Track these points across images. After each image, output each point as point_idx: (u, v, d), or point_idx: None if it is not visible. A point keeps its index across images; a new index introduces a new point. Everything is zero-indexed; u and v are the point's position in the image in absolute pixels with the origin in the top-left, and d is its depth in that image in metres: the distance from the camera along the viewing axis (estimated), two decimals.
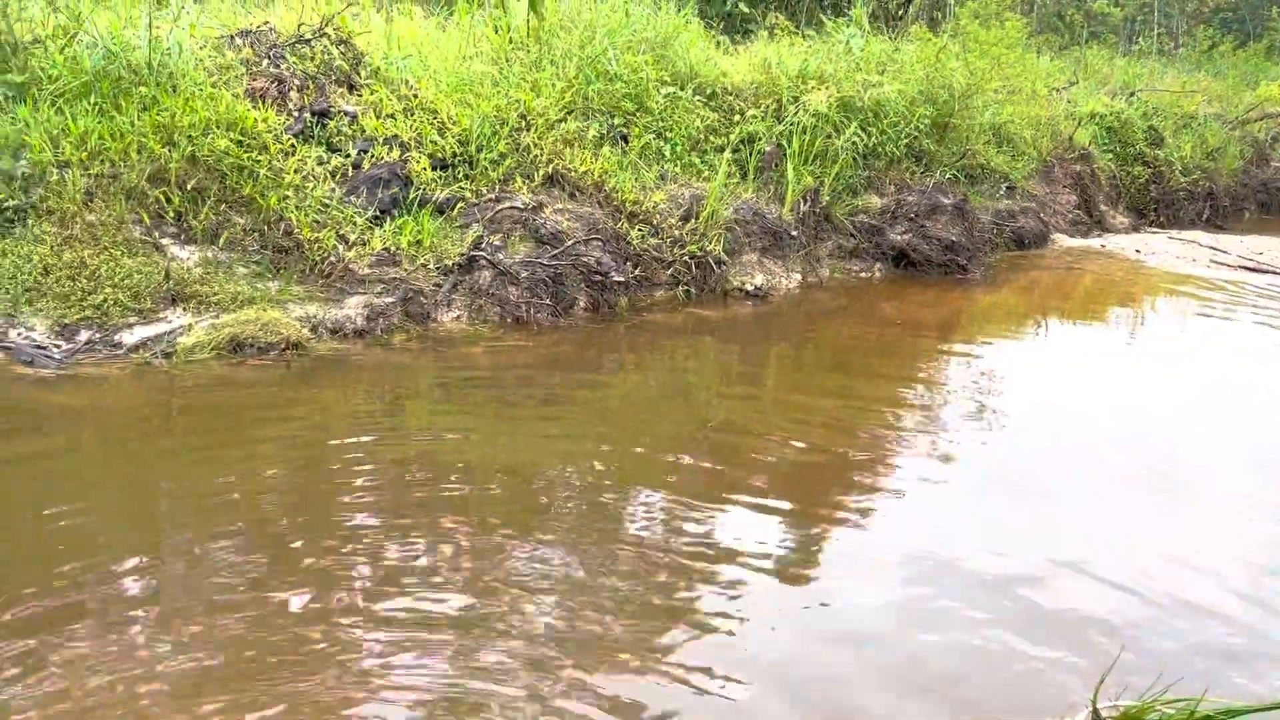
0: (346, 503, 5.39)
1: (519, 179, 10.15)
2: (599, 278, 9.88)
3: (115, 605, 4.27)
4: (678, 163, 11.53)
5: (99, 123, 8.45)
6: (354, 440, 6.33)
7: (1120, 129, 17.96)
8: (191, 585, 4.44)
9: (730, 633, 4.29)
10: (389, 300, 8.77)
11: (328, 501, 5.41)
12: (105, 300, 7.76)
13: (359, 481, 5.68)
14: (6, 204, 8.14)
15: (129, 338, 7.68)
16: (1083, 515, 5.75)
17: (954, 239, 12.57)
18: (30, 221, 8.09)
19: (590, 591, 4.48)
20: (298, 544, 4.84)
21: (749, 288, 10.99)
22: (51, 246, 7.92)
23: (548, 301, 9.43)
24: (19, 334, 7.66)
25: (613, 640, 4.15)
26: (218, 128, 8.71)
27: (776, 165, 11.96)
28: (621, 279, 10.03)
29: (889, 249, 12.47)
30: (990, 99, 14.56)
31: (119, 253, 8.03)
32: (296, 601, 4.29)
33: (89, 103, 8.62)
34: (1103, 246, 15.09)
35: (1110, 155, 17.59)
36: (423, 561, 4.66)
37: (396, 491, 5.53)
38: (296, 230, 8.63)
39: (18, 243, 7.96)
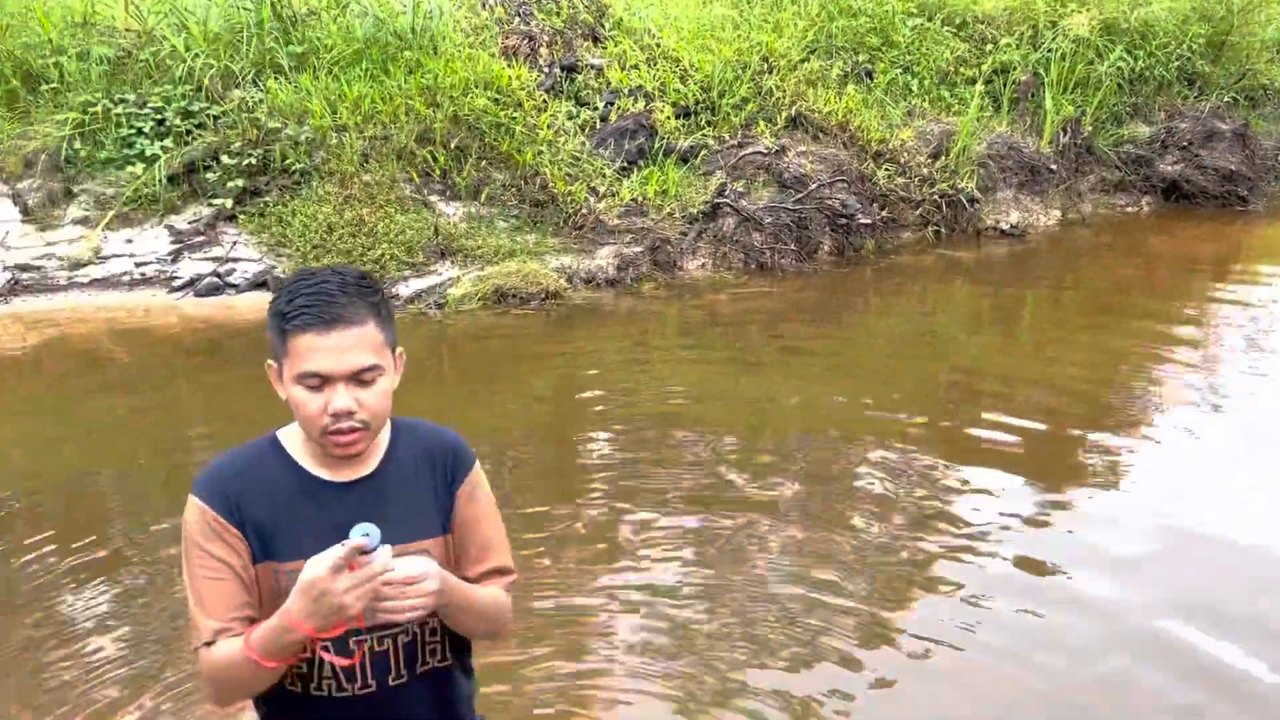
0: (592, 445, 5.62)
1: (761, 123, 10.13)
2: (844, 220, 9.77)
3: None
4: (926, 98, 11.16)
5: (371, 87, 9.07)
6: (604, 385, 6.61)
7: None
8: None
9: (963, 599, 4.05)
10: (637, 250, 9.01)
11: (576, 442, 5.66)
12: (383, 255, 8.38)
13: (605, 424, 5.91)
14: (294, 167, 8.90)
15: (405, 290, 8.28)
16: None
17: (1233, 168, 11.58)
18: (315, 183, 8.81)
19: (823, 548, 4.45)
20: (544, 484, 5.09)
21: (1004, 226, 10.57)
22: (334, 206, 8.61)
23: (791, 246, 9.42)
24: None
25: (839, 605, 4.04)
26: (476, 87, 9.15)
27: (1033, 95, 11.36)
28: (868, 221, 9.88)
29: (1158, 181, 11.64)
30: (1274, 12, 13.21)
31: (393, 210, 8.64)
32: (530, 539, 4.50)
33: (361, 69, 9.26)
34: None
35: None
36: (658, 512, 4.78)
37: (641, 436, 5.70)
38: (551, 184, 8.99)
39: (305, 203, 8.70)
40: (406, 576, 1.69)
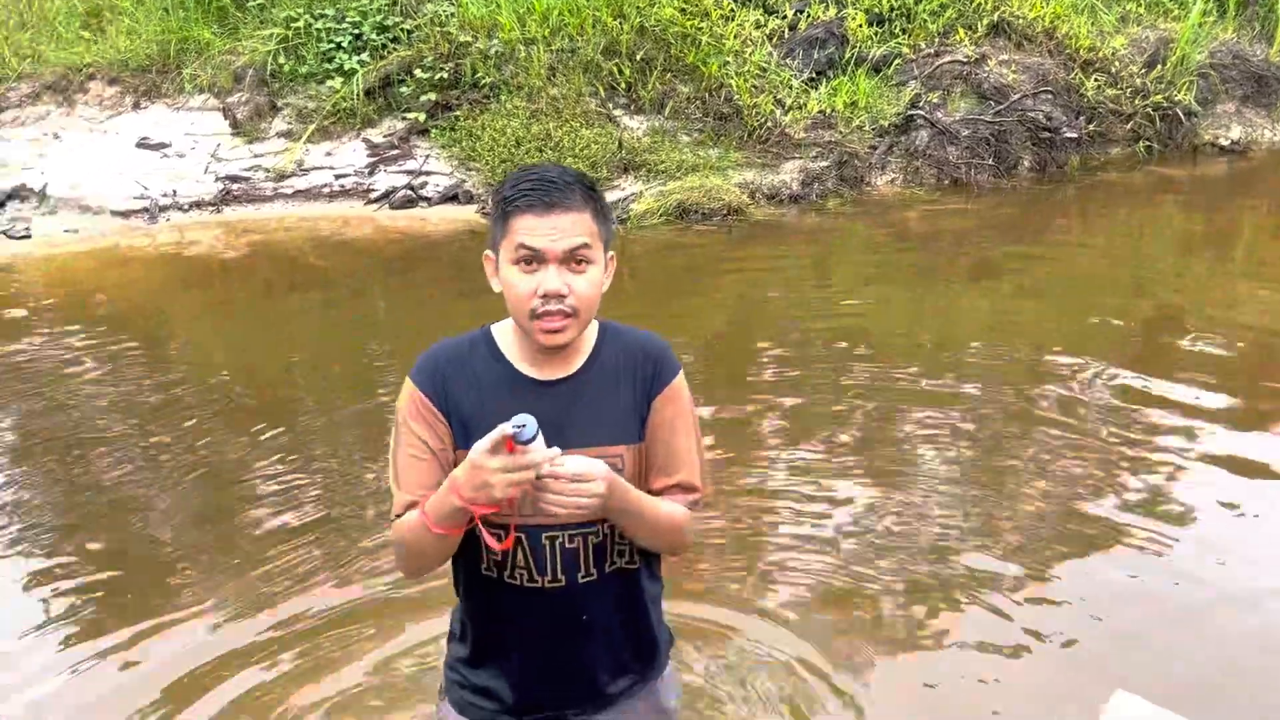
0: (768, 362, 5.52)
1: (960, 30, 9.61)
2: (1047, 134, 9.22)
3: None
4: (1142, 2, 10.33)
5: (559, 0, 9.04)
6: (784, 304, 6.50)
7: None
8: None
9: (1148, 542, 3.75)
10: (823, 164, 8.76)
11: (751, 360, 5.57)
12: None
13: (782, 342, 5.79)
14: (483, 81, 9.01)
15: None
16: None
17: None
18: (503, 97, 8.91)
19: (1000, 479, 4.23)
20: (718, 400, 5.03)
21: (1223, 142, 9.76)
22: (521, 120, 8.69)
23: (989, 162, 8.97)
24: None
25: (1008, 543, 3.85)
26: None
27: None
28: (1073, 135, 9.29)
29: None
30: None
31: (578, 124, 8.65)
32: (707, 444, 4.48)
33: None
34: None
35: None
36: (825, 430, 4.66)
37: (818, 354, 5.56)
38: (736, 96, 8.80)
39: (494, 117, 8.81)
40: (573, 474, 1.72)
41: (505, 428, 1.67)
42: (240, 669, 3.19)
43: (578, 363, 1.91)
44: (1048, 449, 4.47)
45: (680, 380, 1.96)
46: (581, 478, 1.72)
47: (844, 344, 5.69)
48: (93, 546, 4.00)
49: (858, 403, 4.95)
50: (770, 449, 4.54)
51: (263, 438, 4.77)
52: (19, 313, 6.70)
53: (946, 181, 8.83)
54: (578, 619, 1.94)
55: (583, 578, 1.91)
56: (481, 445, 1.70)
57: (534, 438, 1.68)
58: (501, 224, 1.84)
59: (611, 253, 1.92)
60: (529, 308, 1.81)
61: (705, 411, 4.87)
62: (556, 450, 1.71)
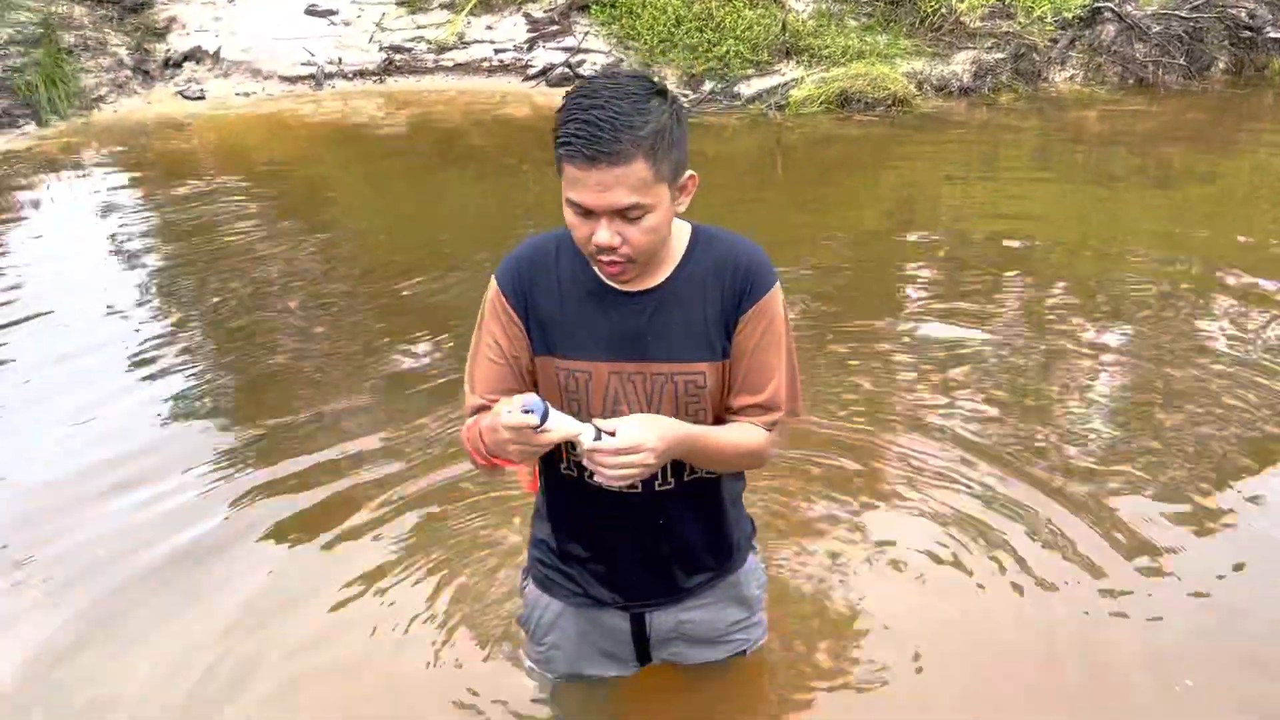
0: (918, 264, 5.31)
1: None
2: (1248, 33, 8.49)
3: None
4: None
5: None
6: (943, 202, 6.26)
7: None
8: None
9: None
10: (998, 56, 8.30)
11: (900, 260, 5.38)
12: (727, 52, 8.21)
13: (936, 241, 5.56)
14: None
15: (746, 89, 8.11)
16: None
17: None
18: None
19: (1148, 405, 3.96)
20: (859, 302, 4.87)
21: None
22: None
23: (1179, 61, 8.34)
24: None
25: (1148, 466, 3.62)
26: None
27: None
28: (1277, 35, 8.53)
29: None
30: None
31: (740, 4, 8.39)
32: (841, 353, 4.34)
33: None
34: None
35: None
36: (972, 339, 4.46)
37: (972, 257, 5.32)
38: None
39: None
40: (617, 449, 1.65)
41: (512, 418, 1.61)
42: (365, 519, 3.30)
43: (663, 274, 1.79)
44: (1203, 378, 4.16)
45: (772, 296, 1.81)
46: (628, 451, 1.64)
47: (1003, 249, 5.45)
48: (242, 382, 4.23)
49: (1009, 310, 4.75)
50: (916, 358, 4.39)
51: (405, 292, 4.93)
52: (191, 169, 7.00)
53: (1130, 81, 8.27)
54: (655, 521, 1.92)
55: (660, 486, 1.88)
56: (499, 412, 1.64)
57: (543, 421, 1.61)
58: (557, 159, 1.69)
59: (689, 173, 1.73)
60: (588, 251, 1.71)
61: (846, 314, 4.75)
62: (578, 429, 1.64)
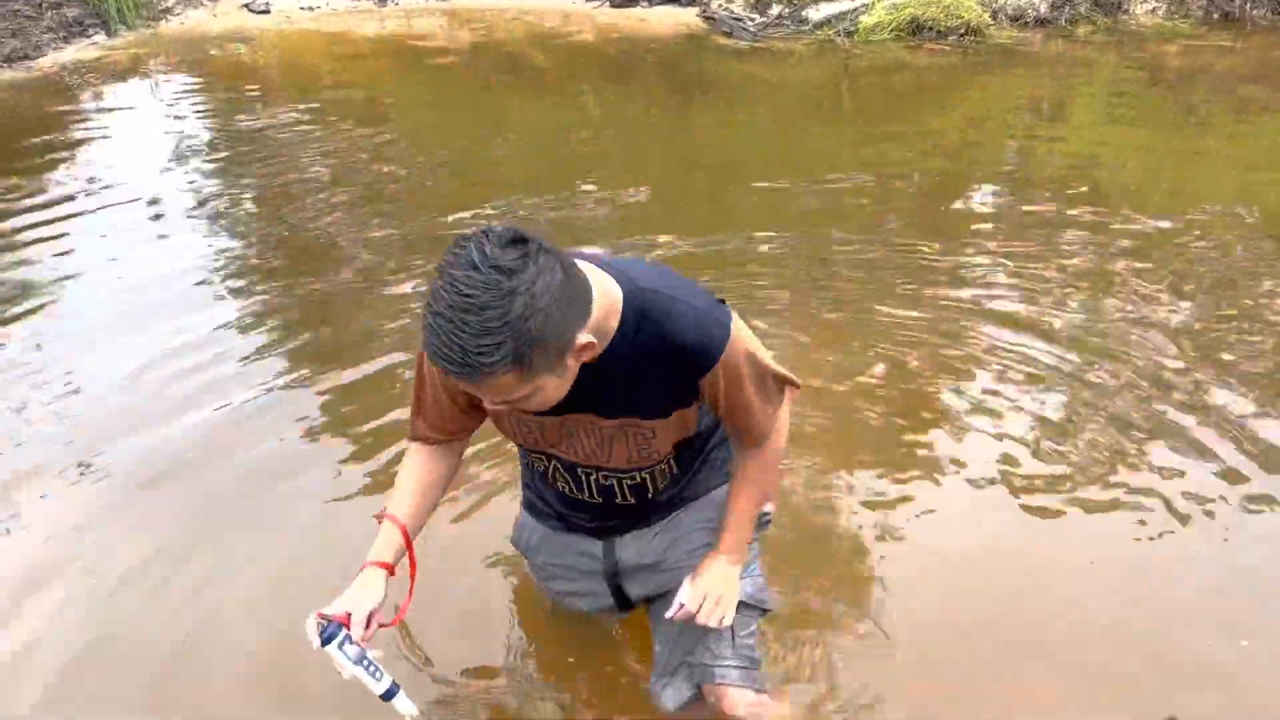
0: (982, 201, 5.20)
1: None
2: None
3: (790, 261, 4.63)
4: None
5: None
6: (1012, 138, 6.11)
7: None
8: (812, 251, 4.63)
9: None
10: None
11: (964, 195, 5.27)
12: None
13: (1001, 181, 5.45)
14: None
15: (815, 14, 7.93)
16: None
17: None
18: None
19: (1215, 363, 3.86)
20: (920, 234, 4.79)
21: None
22: None
23: None
24: (720, 5, 8.27)
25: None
26: None
27: None
28: None
29: None
30: None
31: None
32: (900, 285, 4.29)
33: None
34: None
35: None
36: (1038, 281, 4.36)
37: (1039, 195, 5.19)
38: None
39: None
40: (695, 614, 1.86)
41: (308, 627, 1.72)
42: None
43: (600, 348, 1.61)
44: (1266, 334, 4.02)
45: (724, 359, 1.66)
46: (706, 606, 1.86)
47: (1070, 189, 5.30)
48: (302, 284, 4.33)
49: (1073, 256, 4.64)
50: (979, 294, 4.32)
51: (463, 215, 4.95)
52: (255, 82, 7.04)
53: (1216, 15, 7.95)
54: (622, 508, 1.96)
55: (620, 501, 1.92)
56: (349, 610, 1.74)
57: (324, 644, 1.72)
58: None
59: (583, 342, 1.49)
60: None
61: (912, 247, 4.68)
62: (367, 681, 1.73)
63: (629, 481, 1.89)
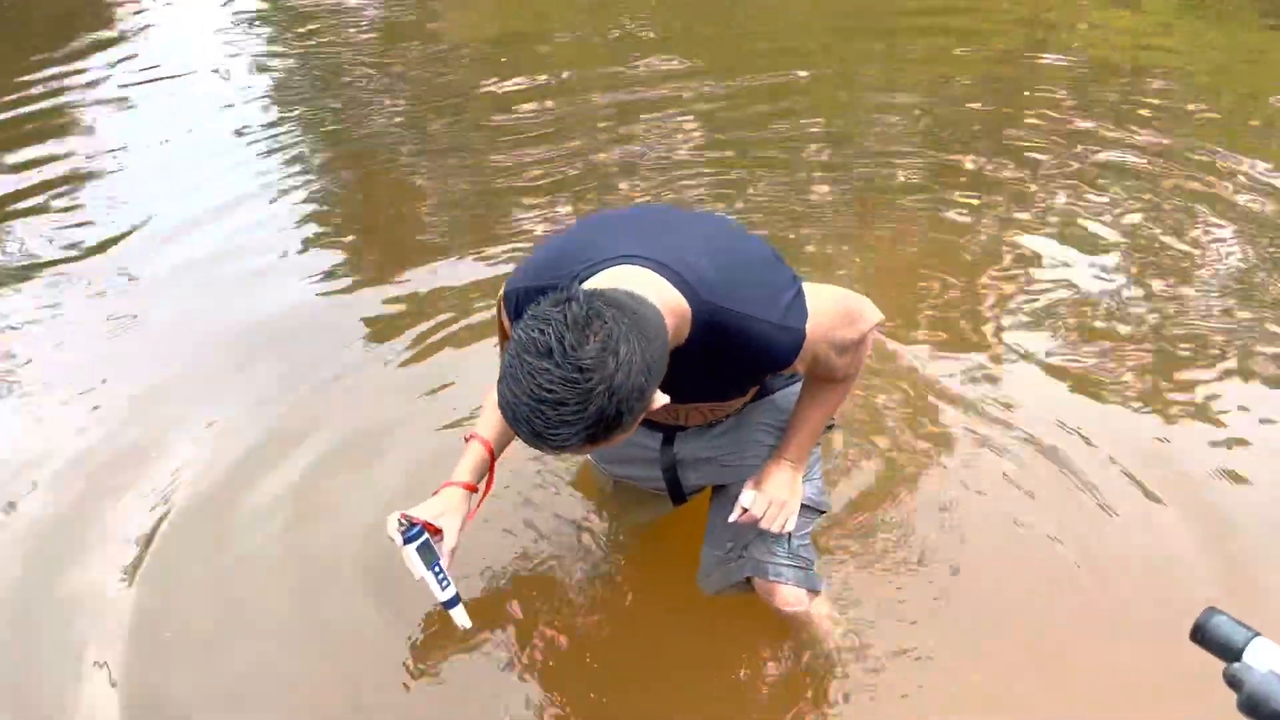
0: (1040, 104, 5.05)
1: None
2: None
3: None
4: None
5: None
6: (1075, 34, 5.97)
7: None
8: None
9: None
10: None
11: (1019, 102, 5.14)
12: None
13: (1062, 83, 5.32)
14: None
15: None
16: None
17: None
18: None
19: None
20: (973, 139, 4.74)
21: None
22: None
23: None
24: None
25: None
26: None
27: None
28: None
29: None
30: None
31: None
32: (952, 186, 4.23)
33: None
34: None
35: None
36: (1091, 189, 4.27)
37: (1097, 97, 5.12)
38: None
39: None
40: (758, 515, 1.94)
41: (389, 525, 1.86)
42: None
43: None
44: None
45: (801, 354, 1.69)
46: (769, 510, 1.94)
47: (1139, 87, 5.17)
48: (346, 174, 4.51)
49: (1136, 142, 4.55)
50: (1039, 206, 4.24)
51: (518, 114, 5.00)
52: None
53: None
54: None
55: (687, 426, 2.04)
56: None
57: (405, 543, 1.85)
58: None
59: (658, 404, 1.49)
60: None
61: (963, 146, 4.62)
62: (431, 586, 1.89)
63: (698, 423, 2.00)
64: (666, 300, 1.53)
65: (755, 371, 1.78)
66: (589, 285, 1.52)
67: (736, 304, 1.61)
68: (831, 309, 1.76)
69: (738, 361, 1.68)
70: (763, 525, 1.95)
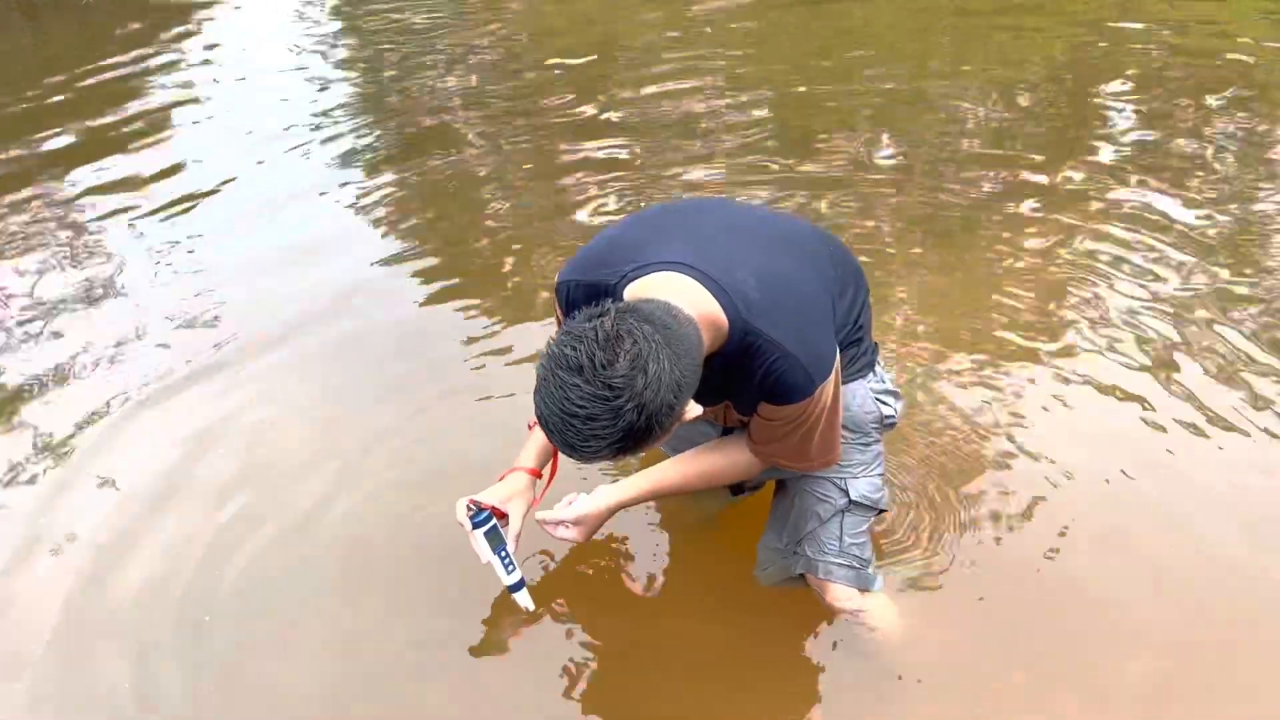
0: (1109, 105, 4.93)
1: None
2: None
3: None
4: None
5: None
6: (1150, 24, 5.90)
7: None
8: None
9: None
10: None
11: (1089, 99, 5.04)
12: None
13: (1132, 80, 5.20)
14: None
15: None
16: None
17: None
18: None
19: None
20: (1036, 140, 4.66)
21: None
22: None
23: None
24: None
25: None
26: None
27: None
28: None
29: None
30: None
31: None
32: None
33: None
34: None
35: None
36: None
37: (1171, 85, 5.03)
38: None
39: None
40: (555, 521, 1.95)
41: (457, 512, 1.91)
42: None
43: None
44: None
45: (798, 404, 1.71)
46: (560, 523, 1.95)
47: (1212, 66, 5.12)
48: (410, 155, 4.61)
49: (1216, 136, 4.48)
50: (1112, 184, 4.17)
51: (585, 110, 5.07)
52: None
53: None
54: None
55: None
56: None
57: (475, 528, 1.88)
58: None
59: (691, 414, 1.58)
60: None
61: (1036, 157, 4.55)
62: (498, 569, 1.95)
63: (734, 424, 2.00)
64: (705, 313, 1.58)
65: (761, 397, 1.75)
66: (632, 289, 1.61)
67: (769, 328, 1.65)
68: (838, 410, 1.82)
69: (747, 380, 1.70)
70: (547, 531, 2.00)
